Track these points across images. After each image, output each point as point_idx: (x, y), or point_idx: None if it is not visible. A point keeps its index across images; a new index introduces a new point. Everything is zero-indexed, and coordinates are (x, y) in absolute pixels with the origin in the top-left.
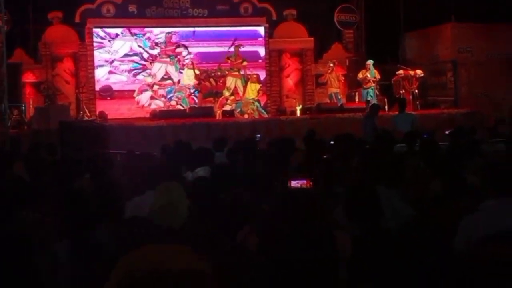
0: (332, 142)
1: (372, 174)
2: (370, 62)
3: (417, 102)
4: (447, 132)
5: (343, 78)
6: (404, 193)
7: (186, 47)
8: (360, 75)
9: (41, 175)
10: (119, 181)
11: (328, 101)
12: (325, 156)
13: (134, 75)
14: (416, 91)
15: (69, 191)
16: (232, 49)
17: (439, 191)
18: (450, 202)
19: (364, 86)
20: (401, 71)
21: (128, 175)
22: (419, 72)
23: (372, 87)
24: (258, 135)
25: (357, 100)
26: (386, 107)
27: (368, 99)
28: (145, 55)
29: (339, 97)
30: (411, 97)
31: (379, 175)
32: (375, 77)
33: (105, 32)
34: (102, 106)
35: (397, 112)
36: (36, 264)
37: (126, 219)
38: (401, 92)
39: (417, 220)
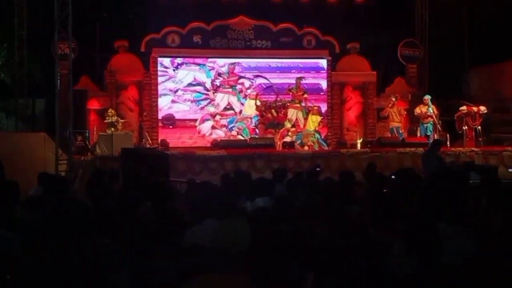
0: (393, 177)
1: (433, 210)
2: (428, 97)
3: (480, 139)
4: (510, 169)
5: (405, 112)
6: (466, 230)
7: (250, 79)
8: (417, 110)
9: (104, 201)
10: (179, 209)
11: (389, 135)
12: (385, 191)
13: (198, 105)
14: (479, 127)
15: (132, 218)
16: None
17: (500, 227)
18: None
19: (423, 121)
20: (464, 107)
21: (189, 203)
22: (482, 108)
23: (431, 122)
24: (318, 168)
25: (418, 135)
26: (448, 142)
27: (428, 134)
28: (208, 85)
29: (401, 131)
30: (474, 133)
31: (440, 211)
32: (433, 112)
33: (169, 61)
34: (164, 134)
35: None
36: None
37: (185, 247)
38: (463, 128)
39: (480, 256)
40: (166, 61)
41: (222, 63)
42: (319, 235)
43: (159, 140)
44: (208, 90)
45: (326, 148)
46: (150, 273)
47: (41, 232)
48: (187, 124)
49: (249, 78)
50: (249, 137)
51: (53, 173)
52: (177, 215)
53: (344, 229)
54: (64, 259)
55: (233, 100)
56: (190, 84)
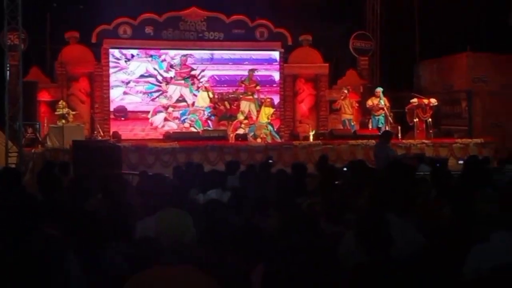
0: (345, 169)
1: (383, 202)
2: (379, 89)
3: (431, 131)
4: (460, 161)
5: (357, 104)
6: (415, 221)
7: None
8: (369, 102)
9: (54, 194)
10: (131, 202)
11: (342, 127)
12: (337, 182)
13: (150, 97)
14: (430, 119)
15: (82, 211)
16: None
17: (449, 219)
18: (460, 230)
19: (374, 114)
20: (415, 99)
21: (140, 196)
22: (433, 100)
23: (383, 115)
24: (271, 160)
25: (370, 127)
26: (399, 134)
27: (379, 126)
28: (160, 77)
29: (352, 124)
30: (424, 125)
31: (390, 203)
32: (384, 105)
33: (121, 53)
34: (116, 126)
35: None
36: (52, 282)
37: (136, 239)
38: (414, 120)
39: (428, 248)
40: (118, 52)
41: (174, 55)
42: (270, 227)
43: (111, 132)
44: (160, 82)
45: (279, 140)
46: (101, 266)
47: None
48: (139, 116)
49: (201, 70)
50: (202, 129)
51: (3, 166)
52: (129, 208)
53: (294, 220)
54: (12, 250)
55: (186, 92)
56: (142, 76)
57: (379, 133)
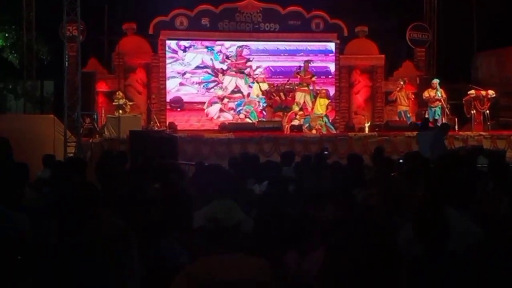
0: (401, 161)
1: (441, 194)
2: (436, 81)
3: (488, 123)
4: None
5: (413, 96)
6: (473, 214)
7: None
8: (426, 94)
9: (113, 183)
10: (188, 191)
11: (397, 119)
12: (393, 174)
13: (205, 88)
14: (488, 111)
15: (142, 200)
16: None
17: (507, 213)
18: None
19: (431, 105)
20: (472, 91)
21: (197, 186)
22: (491, 92)
23: (439, 106)
24: (326, 152)
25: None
26: (456, 126)
27: (436, 118)
28: (216, 68)
29: (408, 115)
30: (482, 117)
31: (448, 195)
32: (441, 96)
33: (177, 44)
34: (172, 117)
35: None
36: (118, 270)
37: (194, 229)
38: (472, 112)
39: (487, 241)
40: (174, 43)
41: (229, 46)
42: (327, 219)
43: (167, 123)
44: (216, 73)
45: (334, 131)
46: (161, 254)
47: (51, 214)
48: (195, 107)
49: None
50: (257, 120)
51: (62, 155)
52: (186, 197)
53: (352, 212)
54: (74, 239)
55: (241, 83)
56: (198, 67)
57: (436, 125)
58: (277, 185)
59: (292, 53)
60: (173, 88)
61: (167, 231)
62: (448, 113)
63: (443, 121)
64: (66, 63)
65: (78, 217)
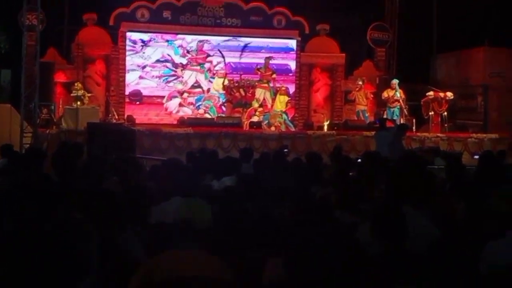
0: (359, 160)
1: (399, 193)
2: (395, 81)
3: (446, 125)
4: (476, 156)
5: (372, 96)
6: (430, 214)
7: (223, 56)
8: (385, 94)
9: (69, 175)
10: (146, 186)
11: (356, 118)
12: (351, 174)
13: (165, 81)
14: (445, 113)
15: (100, 192)
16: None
17: (463, 214)
18: (474, 226)
19: (390, 105)
20: (431, 93)
21: (155, 180)
22: (449, 94)
23: (398, 107)
24: (286, 149)
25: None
26: (413, 127)
27: (394, 118)
28: (176, 62)
29: (367, 115)
30: (439, 119)
31: (406, 195)
32: (400, 97)
33: (138, 37)
34: (130, 110)
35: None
36: (76, 265)
37: (152, 224)
38: (430, 113)
39: (442, 241)
40: (135, 36)
41: (190, 40)
42: (286, 216)
43: (126, 116)
44: (176, 67)
45: (293, 129)
46: (118, 248)
47: (6, 204)
48: (154, 101)
49: (223, 56)
50: (216, 115)
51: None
52: (145, 191)
53: (311, 210)
54: (35, 233)
55: (201, 78)
56: (158, 61)
57: (393, 125)
58: (245, 182)
59: (254, 49)
60: (132, 81)
61: (125, 225)
62: (406, 113)
63: (402, 122)
64: (25, 52)
65: (34, 208)
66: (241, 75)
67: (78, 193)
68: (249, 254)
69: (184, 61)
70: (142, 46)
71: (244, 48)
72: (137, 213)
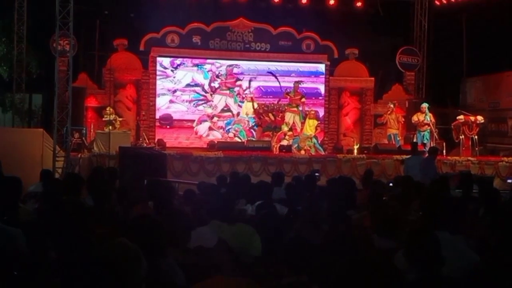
0: (391, 184)
1: (434, 219)
2: (425, 105)
3: (476, 148)
4: (509, 180)
5: (403, 119)
6: (468, 239)
7: (276, 78)
8: (415, 118)
9: (105, 200)
10: (183, 210)
11: (387, 142)
12: (384, 198)
13: (195, 105)
14: (476, 137)
15: (141, 217)
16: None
17: (498, 239)
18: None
19: (420, 129)
20: (461, 116)
21: (190, 204)
22: (479, 118)
23: (428, 130)
24: (317, 173)
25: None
26: (444, 151)
27: (425, 142)
28: (206, 87)
29: (398, 139)
30: (470, 142)
31: (440, 220)
32: (430, 121)
33: (168, 61)
34: (161, 134)
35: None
36: None
37: (191, 248)
38: (460, 137)
39: (482, 267)
40: (165, 61)
41: (220, 65)
42: (322, 241)
43: (156, 140)
44: (206, 91)
45: (323, 152)
46: (161, 273)
47: (46, 229)
48: (184, 125)
49: (250, 80)
50: (246, 139)
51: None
52: (182, 216)
53: (348, 235)
54: (83, 259)
55: (231, 102)
56: (188, 85)
57: (424, 149)
58: (265, 208)
59: (283, 73)
60: (163, 105)
61: (165, 250)
62: (436, 137)
63: (432, 145)
64: (57, 77)
65: (75, 234)
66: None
67: (116, 218)
68: (288, 280)
69: (214, 85)
70: (172, 70)
71: (271, 72)
72: (177, 238)
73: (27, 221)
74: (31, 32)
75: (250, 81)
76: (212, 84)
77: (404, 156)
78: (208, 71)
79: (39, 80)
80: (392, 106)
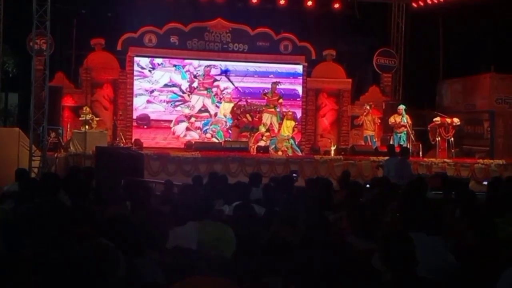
0: (368, 185)
1: (410, 220)
2: (402, 107)
3: (452, 150)
4: (484, 182)
5: (379, 121)
6: (444, 241)
7: (230, 81)
8: (391, 120)
9: (82, 200)
10: (161, 210)
11: (363, 143)
12: (361, 199)
13: (173, 106)
14: (452, 139)
15: (116, 218)
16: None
17: (474, 241)
18: (486, 253)
19: (396, 131)
20: (438, 118)
21: (167, 204)
22: (456, 120)
23: (405, 132)
24: (295, 174)
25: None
26: (420, 153)
27: (401, 143)
28: (184, 87)
29: (374, 140)
30: (446, 144)
31: (418, 222)
32: (407, 122)
33: (145, 61)
34: (138, 134)
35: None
36: None
37: (169, 248)
38: (436, 139)
39: (459, 268)
40: (143, 61)
41: (197, 65)
42: (299, 241)
43: (133, 140)
44: (183, 92)
45: (300, 153)
46: (136, 274)
47: (22, 229)
48: (162, 125)
49: (231, 81)
50: (224, 140)
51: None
52: (160, 216)
53: (325, 236)
54: (62, 260)
55: (208, 102)
56: (166, 85)
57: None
58: (243, 208)
59: (261, 74)
60: (140, 105)
61: (143, 250)
62: (413, 139)
63: (409, 147)
64: (33, 76)
65: (53, 234)
66: (246, 100)
67: (93, 217)
68: (265, 280)
69: (192, 85)
70: (149, 70)
71: (248, 74)
72: (154, 237)
73: (3, 220)
74: (7, 31)
75: (226, 72)
76: (192, 85)
77: (381, 158)
78: (186, 71)
79: (15, 79)
80: (368, 107)
